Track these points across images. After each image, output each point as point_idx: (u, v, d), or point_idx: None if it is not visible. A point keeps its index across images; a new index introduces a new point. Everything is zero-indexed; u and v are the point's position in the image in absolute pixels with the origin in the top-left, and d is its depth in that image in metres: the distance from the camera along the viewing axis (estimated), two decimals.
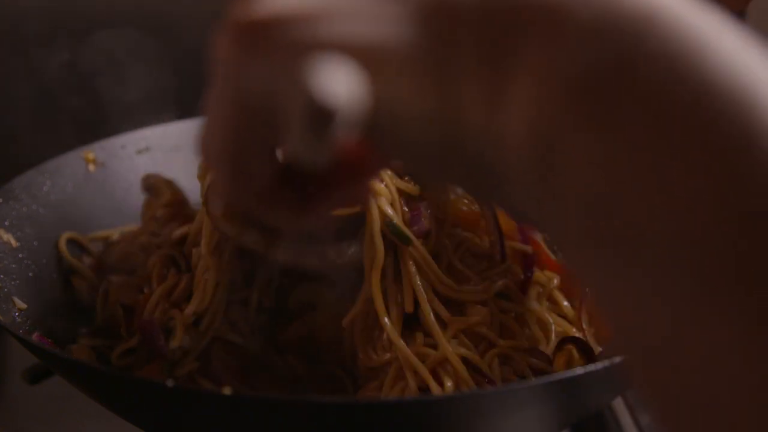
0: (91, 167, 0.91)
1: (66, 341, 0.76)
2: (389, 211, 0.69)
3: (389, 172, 0.70)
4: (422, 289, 0.69)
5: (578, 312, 0.78)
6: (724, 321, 0.29)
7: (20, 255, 0.80)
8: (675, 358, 0.31)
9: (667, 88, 0.31)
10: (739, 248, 0.29)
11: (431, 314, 0.69)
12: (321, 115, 0.34)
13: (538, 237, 0.83)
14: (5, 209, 0.81)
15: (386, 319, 0.69)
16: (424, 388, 0.67)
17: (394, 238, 0.69)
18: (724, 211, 0.30)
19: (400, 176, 0.71)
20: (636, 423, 0.83)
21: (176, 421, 0.67)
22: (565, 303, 0.79)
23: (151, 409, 0.67)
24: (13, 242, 0.79)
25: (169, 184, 0.86)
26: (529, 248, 0.80)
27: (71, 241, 0.85)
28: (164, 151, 0.94)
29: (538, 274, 0.80)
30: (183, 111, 0.97)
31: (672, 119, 0.31)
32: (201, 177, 0.75)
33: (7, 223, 0.80)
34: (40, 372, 0.83)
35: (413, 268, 0.69)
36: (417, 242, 0.69)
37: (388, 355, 0.69)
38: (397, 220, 0.69)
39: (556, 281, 0.80)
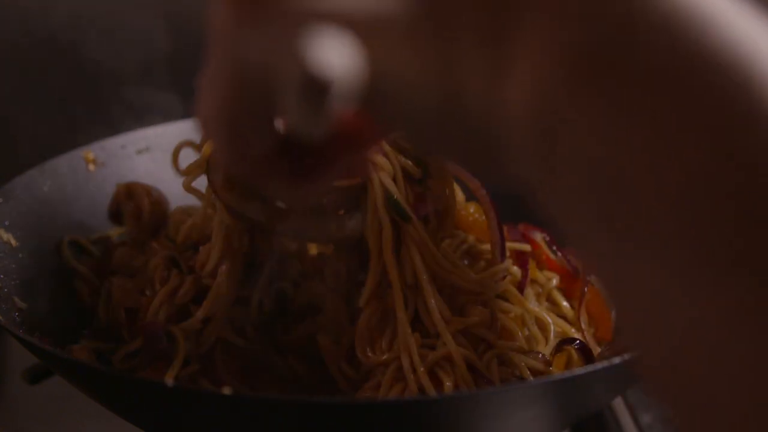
0: (91, 167, 0.90)
1: (66, 342, 0.76)
2: (391, 186, 0.68)
3: (394, 149, 0.69)
4: (422, 267, 0.69)
5: (577, 312, 0.78)
6: (720, 293, 0.29)
7: (20, 255, 0.80)
8: (674, 328, 0.31)
9: (669, 57, 0.31)
10: (740, 221, 0.29)
11: (432, 298, 0.68)
12: (317, 87, 0.33)
13: (538, 237, 0.83)
14: (5, 209, 0.81)
15: (401, 298, 0.68)
16: (423, 389, 0.67)
17: (393, 214, 0.68)
18: (727, 183, 0.30)
19: (406, 156, 0.70)
20: (636, 423, 0.83)
21: (176, 421, 0.67)
22: (565, 303, 0.79)
23: (151, 409, 0.67)
24: (13, 242, 0.79)
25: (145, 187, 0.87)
26: (525, 246, 0.80)
27: (72, 243, 0.85)
28: (164, 151, 0.94)
29: (537, 274, 0.80)
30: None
31: (673, 89, 0.31)
32: (188, 171, 0.75)
33: (7, 223, 0.80)
34: (40, 372, 0.83)
35: (413, 247, 0.69)
36: (416, 221, 0.68)
37: (386, 356, 0.68)
38: (399, 196, 0.68)
39: (555, 281, 0.80)
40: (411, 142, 0.56)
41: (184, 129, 0.95)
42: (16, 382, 0.85)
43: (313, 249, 0.83)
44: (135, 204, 0.87)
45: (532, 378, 0.69)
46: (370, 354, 0.69)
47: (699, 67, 0.31)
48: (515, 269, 0.77)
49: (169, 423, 0.68)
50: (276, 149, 0.42)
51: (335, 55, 0.34)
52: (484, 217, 0.79)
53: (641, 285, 0.32)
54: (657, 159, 0.31)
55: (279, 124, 0.42)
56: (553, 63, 0.33)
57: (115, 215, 0.88)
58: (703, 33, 0.31)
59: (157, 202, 0.87)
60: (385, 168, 0.68)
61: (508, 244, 0.79)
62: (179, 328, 0.73)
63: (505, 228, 0.82)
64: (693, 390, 0.31)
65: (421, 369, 0.67)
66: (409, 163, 0.69)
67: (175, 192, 0.93)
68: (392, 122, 0.39)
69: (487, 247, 0.77)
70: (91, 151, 0.91)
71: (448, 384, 0.66)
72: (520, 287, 0.76)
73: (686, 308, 0.30)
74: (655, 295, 0.31)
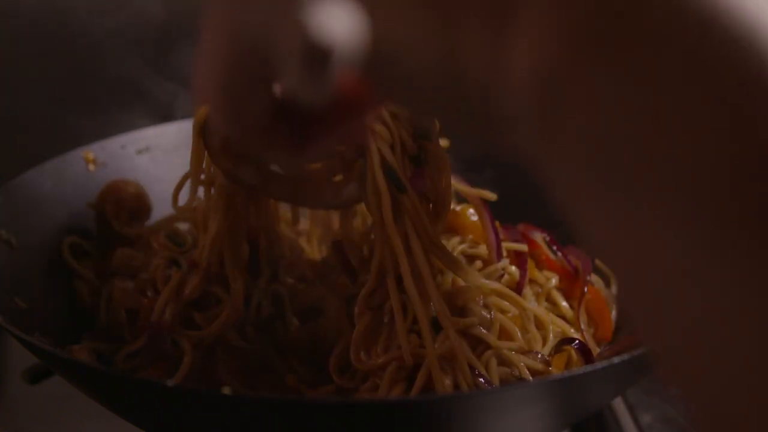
0: (91, 167, 0.90)
1: (66, 342, 0.76)
2: (388, 154, 0.67)
3: (394, 120, 0.68)
4: (417, 242, 0.68)
5: (577, 313, 0.78)
6: (726, 259, 0.29)
7: (20, 255, 0.80)
8: (677, 295, 0.31)
9: (673, 25, 0.31)
10: (741, 186, 0.29)
11: (430, 275, 0.68)
12: (317, 54, 0.33)
13: (538, 237, 0.83)
14: (5, 209, 0.81)
15: (406, 264, 0.67)
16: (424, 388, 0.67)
17: (388, 183, 0.67)
18: (728, 151, 0.29)
19: (406, 132, 0.69)
20: (636, 423, 0.83)
21: (176, 421, 0.67)
22: (564, 303, 0.79)
23: (151, 409, 0.67)
24: (13, 242, 0.79)
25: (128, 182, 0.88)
26: (522, 246, 0.80)
27: (73, 245, 0.85)
28: (164, 151, 0.94)
29: (537, 274, 0.80)
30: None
31: (677, 56, 0.31)
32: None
33: (7, 223, 0.80)
34: (40, 372, 0.83)
35: (408, 220, 0.68)
36: (412, 192, 0.67)
37: (381, 359, 0.68)
38: (396, 165, 0.67)
39: (554, 281, 0.80)
40: (411, 108, 0.55)
41: (184, 129, 0.95)
42: (16, 382, 0.85)
43: (315, 254, 0.83)
44: (115, 195, 0.87)
45: (531, 378, 0.69)
46: (364, 359, 0.69)
47: (702, 34, 0.30)
48: (513, 269, 0.77)
49: (169, 423, 0.68)
50: (274, 115, 0.41)
51: (336, 20, 0.34)
52: (477, 219, 0.79)
53: (645, 252, 0.31)
54: (663, 123, 0.30)
55: (277, 89, 0.41)
56: (557, 31, 0.33)
57: (100, 215, 0.88)
58: (707, 1, 0.31)
59: (138, 192, 0.88)
60: (384, 136, 0.67)
61: (506, 245, 0.79)
62: (186, 336, 0.74)
63: (503, 228, 0.82)
64: (698, 357, 0.30)
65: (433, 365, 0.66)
66: (408, 139, 0.68)
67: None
68: (392, 88, 0.39)
69: (483, 248, 0.77)
70: (91, 151, 0.91)
71: (447, 383, 0.66)
72: (519, 287, 0.76)
73: (693, 275, 0.30)
74: (662, 262, 0.31)
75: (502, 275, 0.76)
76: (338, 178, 0.70)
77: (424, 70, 0.36)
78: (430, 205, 0.70)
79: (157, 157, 0.94)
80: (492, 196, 0.80)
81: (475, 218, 0.79)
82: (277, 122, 0.42)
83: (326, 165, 0.69)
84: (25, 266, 0.80)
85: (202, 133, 0.71)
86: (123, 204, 0.87)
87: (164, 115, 1.01)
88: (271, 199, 0.75)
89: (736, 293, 0.29)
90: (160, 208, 0.87)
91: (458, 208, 0.81)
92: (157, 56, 1.06)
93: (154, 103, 1.04)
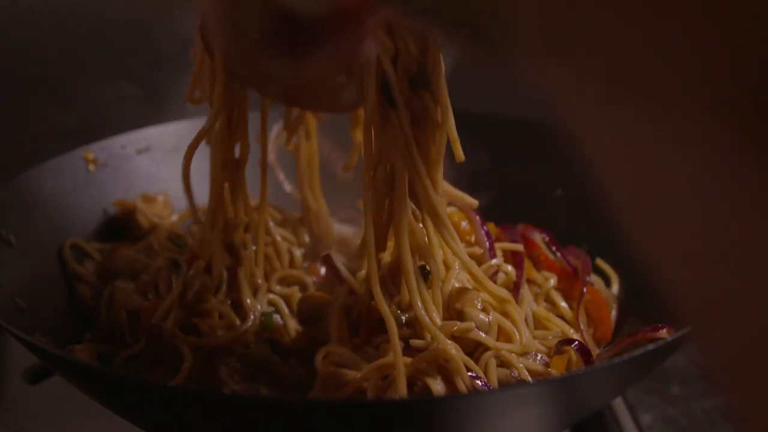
0: (91, 167, 0.91)
1: (67, 342, 0.77)
2: (387, 66, 0.66)
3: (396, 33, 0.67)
4: (400, 162, 0.67)
5: (576, 313, 0.78)
6: (728, 165, 0.29)
7: (20, 255, 0.80)
8: (677, 202, 0.30)
9: None
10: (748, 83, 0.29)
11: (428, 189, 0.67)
12: None
13: (537, 237, 0.83)
14: (5, 209, 0.81)
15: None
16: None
17: (381, 95, 0.66)
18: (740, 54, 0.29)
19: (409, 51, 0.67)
20: (636, 423, 0.83)
21: (176, 421, 0.67)
22: (563, 304, 0.79)
23: (151, 410, 0.67)
24: (13, 242, 0.80)
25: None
26: (518, 246, 0.80)
27: (74, 246, 0.86)
28: (164, 151, 0.95)
29: (535, 275, 0.80)
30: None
31: None
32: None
33: (7, 223, 0.80)
34: (40, 372, 0.83)
35: (391, 138, 0.67)
36: (403, 110, 0.66)
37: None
38: (391, 78, 0.66)
39: (553, 281, 0.80)
40: (413, 19, 0.54)
41: (184, 129, 0.95)
42: (16, 382, 0.85)
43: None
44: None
45: (530, 379, 0.69)
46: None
47: None
48: (510, 269, 0.77)
49: (169, 423, 0.68)
50: (274, 25, 0.41)
51: None
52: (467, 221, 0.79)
53: (651, 161, 0.31)
54: (680, 28, 0.29)
55: None
56: None
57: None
58: None
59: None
60: (387, 49, 0.66)
61: (502, 245, 0.79)
62: (186, 341, 0.74)
63: (502, 228, 0.82)
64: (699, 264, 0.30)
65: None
66: (411, 62, 0.67)
67: (175, 192, 0.93)
68: None
69: (477, 249, 0.77)
70: (91, 151, 0.91)
71: (438, 388, 0.66)
72: (516, 287, 0.76)
73: (695, 180, 0.29)
74: (667, 171, 0.30)
75: (496, 272, 0.76)
76: (337, 81, 0.68)
77: None
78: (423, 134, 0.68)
79: (157, 157, 0.94)
80: (474, 202, 0.79)
81: (464, 223, 0.79)
82: (276, 32, 0.41)
83: (326, 69, 0.68)
84: (26, 266, 0.80)
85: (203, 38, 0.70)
86: None
87: (164, 114, 1.01)
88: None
89: (736, 199, 0.29)
90: None
91: (448, 210, 0.80)
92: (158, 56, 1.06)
93: (154, 103, 1.04)
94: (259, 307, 0.77)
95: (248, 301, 0.76)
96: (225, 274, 0.77)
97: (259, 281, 0.78)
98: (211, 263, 0.76)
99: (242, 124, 0.76)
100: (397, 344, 0.66)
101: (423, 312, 0.68)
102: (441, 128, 0.68)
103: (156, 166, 0.94)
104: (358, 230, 0.89)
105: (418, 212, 0.70)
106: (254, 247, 0.79)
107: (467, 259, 0.71)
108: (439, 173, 0.69)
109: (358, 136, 0.77)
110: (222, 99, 0.73)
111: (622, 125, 0.31)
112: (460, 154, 0.70)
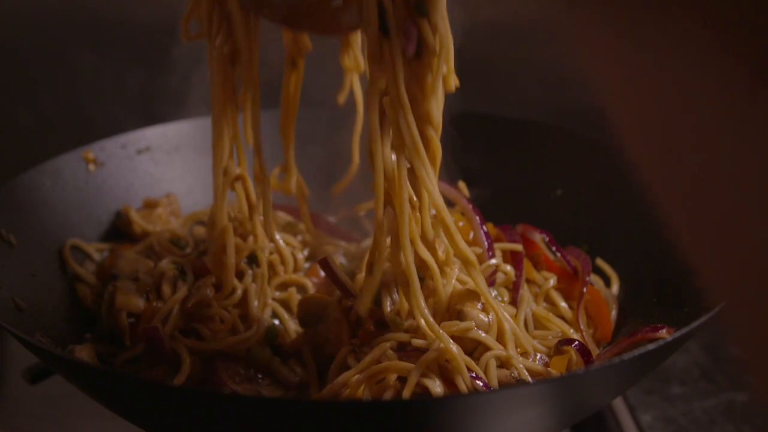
0: (91, 167, 0.91)
1: (67, 342, 0.76)
2: None
3: None
4: (395, 92, 0.66)
5: (576, 313, 0.78)
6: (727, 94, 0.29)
7: (20, 255, 0.80)
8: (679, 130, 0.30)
9: None
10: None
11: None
12: None
13: (537, 238, 0.83)
14: (5, 209, 0.81)
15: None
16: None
17: (378, 21, 0.65)
18: None
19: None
20: (636, 423, 0.84)
21: (176, 421, 0.67)
22: (563, 304, 0.79)
23: (151, 409, 0.67)
24: (13, 242, 0.80)
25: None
26: (517, 246, 0.80)
27: (74, 247, 0.85)
28: (164, 151, 0.95)
29: (534, 275, 0.80)
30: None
31: None
32: None
33: (7, 223, 0.80)
34: (40, 372, 0.83)
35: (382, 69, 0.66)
36: (396, 41, 0.65)
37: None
38: (387, 5, 0.65)
39: (552, 281, 0.80)
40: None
41: (184, 129, 0.95)
42: (16, 382, 0.85)
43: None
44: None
45: (530, 379, 0.69)
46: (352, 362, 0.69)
47: None
48: (509, 268, 0.77)
49: (170, 423, 0.68)
50: None
51: None
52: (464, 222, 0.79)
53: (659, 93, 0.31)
54: None
55: None
56: None
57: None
58: None
59: None
60: None
61: (502, 245, 0.79)
62: (185, 344, 0.74)
63: (502, 229, 0.82)
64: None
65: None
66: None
67: (174, 192, 0.93)
68: None
69: (476, 250, 0.77)
70: (91, 151, 0.91)
71: (437, 391, 0.66)
72: (515, 287, 0.76)
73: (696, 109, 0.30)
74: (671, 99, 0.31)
75: (495, 271, 0.76)
76: (337, 3, 0.68)
77: None
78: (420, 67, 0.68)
79: (157, 157, 0.94)
80: (465, 190, 0.79)
81: (462, 223, 0.79)
82: None
83: None
84: (26, 266, 0.80)
85: None
86: None
87: (164, 114, 1.01)
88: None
89: (735, 129, 0.29)
90: None
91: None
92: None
93: (153, 102, 1.04)
94: (264, 317, 0.77)
95: (254, 312, 0.77)
96: (238, 292, 0.78)
97: (269, 300, 0.79)
98: (222, 284, 0.77)
99: (247, 59, 0.74)
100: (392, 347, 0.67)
101: (426, 311, 0.68)
102: (439, 57, 0.67)
103: (156, 166, 0.94)
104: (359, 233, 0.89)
105: (415, 200, 0.69)
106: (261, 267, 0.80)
107: (449, 218, 0.70)
108: (434, 105, 0.68)
109: (346, 62, 0.78)
110: (220, 20, 0.72)
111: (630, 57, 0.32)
112: (450, 85, 0.69)
